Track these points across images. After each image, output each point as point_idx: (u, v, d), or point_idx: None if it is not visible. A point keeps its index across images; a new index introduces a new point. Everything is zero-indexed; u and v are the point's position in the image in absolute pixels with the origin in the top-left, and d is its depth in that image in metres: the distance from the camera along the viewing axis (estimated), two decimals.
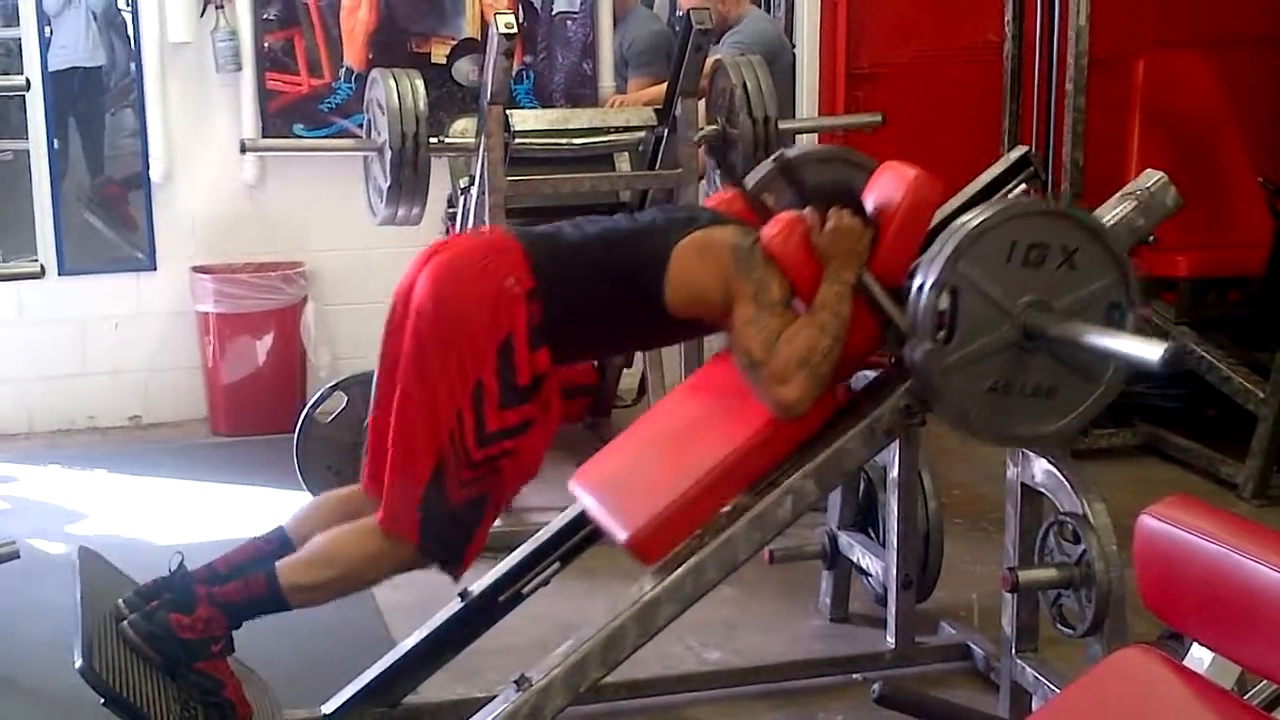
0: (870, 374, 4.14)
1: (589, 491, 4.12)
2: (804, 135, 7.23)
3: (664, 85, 6.11)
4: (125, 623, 3.77)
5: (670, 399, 4.46)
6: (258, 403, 7.25)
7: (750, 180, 4.27)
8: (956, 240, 3.74)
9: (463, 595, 4.20)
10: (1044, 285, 3.78)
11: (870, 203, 4.01)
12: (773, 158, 4.24)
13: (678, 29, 6.89)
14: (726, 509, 3.86)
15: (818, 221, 3.86)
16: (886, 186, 4.05)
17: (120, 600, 3.84)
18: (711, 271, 3.84)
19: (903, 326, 3.83)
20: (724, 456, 3.88)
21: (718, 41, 6.91)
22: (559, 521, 4.29)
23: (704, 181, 6.21)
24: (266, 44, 7.37)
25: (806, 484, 3.86)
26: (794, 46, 7.72)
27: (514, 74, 6.70)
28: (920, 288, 3.76)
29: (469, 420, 3.72)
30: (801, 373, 3.76)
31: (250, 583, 3.85)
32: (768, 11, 7.90)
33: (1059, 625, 4.07)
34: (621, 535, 3.87)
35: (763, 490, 3.86)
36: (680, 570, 3.79)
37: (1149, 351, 3.44)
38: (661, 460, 4.10)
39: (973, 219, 3.78)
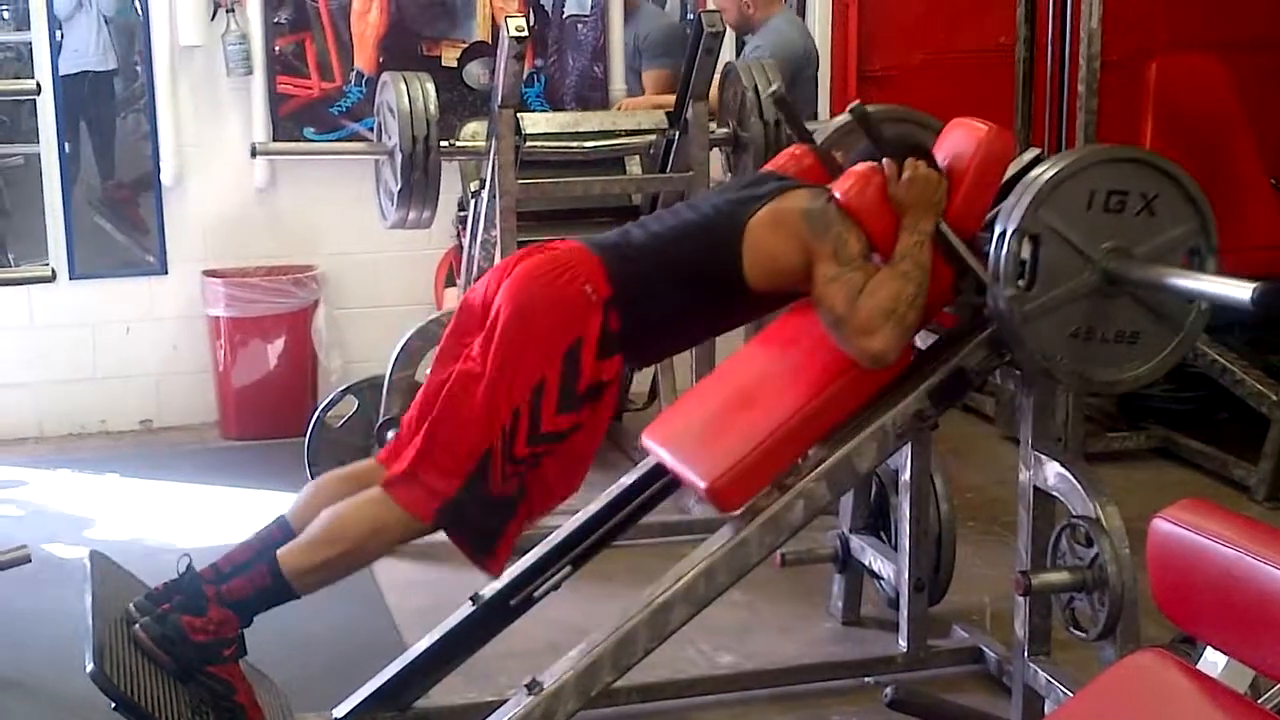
0: None
1: (663, 445, 4.16)
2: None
3: (678, 78, 6.11)
4: (137, 626, 3.76)
5: (739, 355, 4.47)
6: (269, 407, 7.25)
7: (820, 135, 4.28)
8: (1037, 188, 3.78)
9: (474, 599, 4.20)
10: (1124, 231, 3.82)
11: (942, 156, 4.05)
12: (848, 109, 4.24)
13: (689, 30, 6.89)
14: (804, 459, 3.91)
15: (895, 172, 3.89)
16: (958, 141, 4.09)
17: (131, 604, 3.83)
18: (788, 241, 3.87)
19: (982, 276, 3.88)
20: (801, 405, 3.92)
21: (743, 42, 6.90)
22: (570, 525, 4.29)
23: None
24: (277, 47, 7.38)
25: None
26: None
27: (525, 77, 6.68)
28: (1001, 235, 3.80)
29: (524, 417, 3.73)
30: (888, 323, 3.79)
31: (254, 575, 3.83)
32: None
33: (1072, 629, 4.05)
34: (701, 483, 3.90)
35: (841, 439, 3.90)
36: (691, 573, 3.79)
37: (1239, 290, 3.46)
38: (737, 412, 4.11)
39: (1051, 167, 3.82)
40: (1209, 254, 3.89)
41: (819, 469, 3.88)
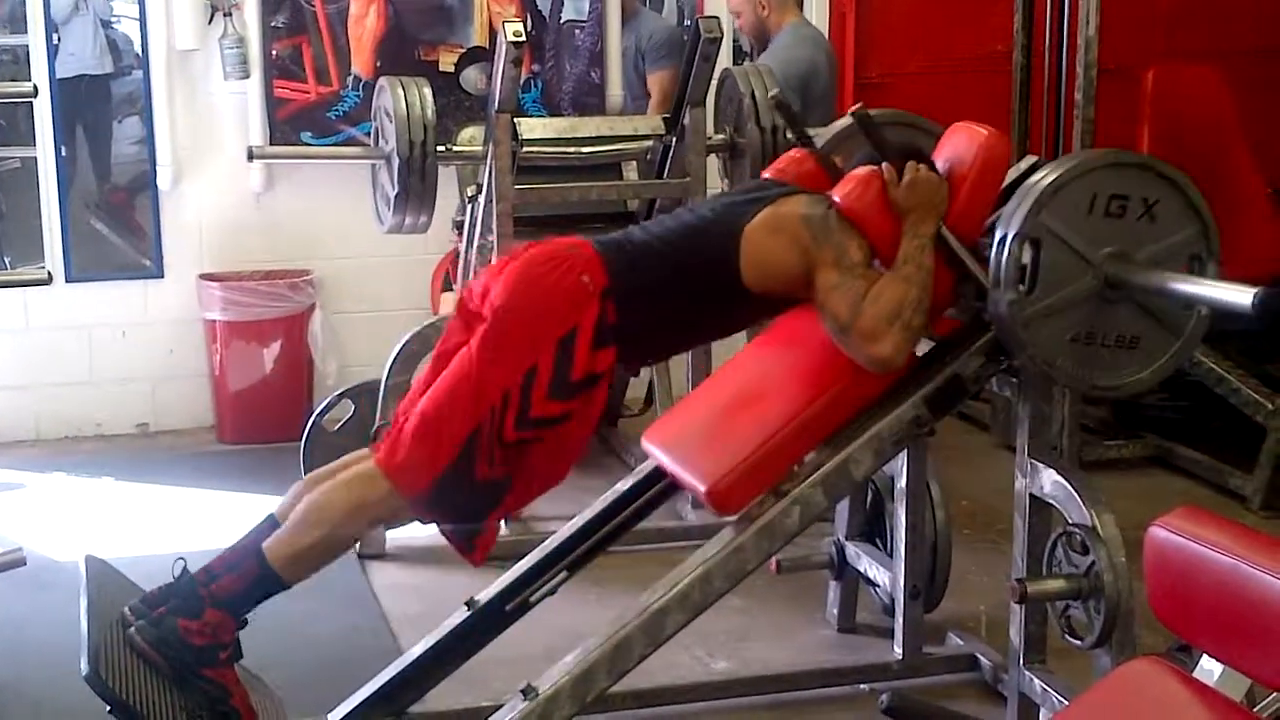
0: None
1: (662, 448, 4.18)
2: None
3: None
4: (132, 629, 3.76)
5: (738, 358, 4.48)
6: (265, 411, 7.25)
7: (821, 140, 4.27)
8: (1038, 192, 3.78)
9: (469, 604, 4.19)
10: (1125, 236, 3.82)
11: (942, 161, 4.05)
12: (850, 112, 4.23)
13: (686, 37, 6.88)
14: (804, 461, 3.91)
15: (895, 176, 3.88)
16: (958, 145, 4.09)
17: (126, 608, 3.83)
18: (786, 246, 3.86)
19: (982, 280, 3.88)
20: (801, 409, 3.93)
21: (757, 53, 6.88)
22: (566, 530, 4.28)
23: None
24: (274, 51, 7.38)
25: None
26: None
27: (522, 82, 6.68)
28: (1002, 239, 3.80)
29: (515, 400, 3.73)
30: (893, 327, 3.77)
31: (244, 571, 3.83)
32: None
33: (1067, 636, 4.05)
34: (701, 486, 3.91)
35: (838, 445, 3.90)
36: (687, 579, 3.79)
37: (1239, 295, 3.46)
38: (736, 415, 4.11)
39: (1053, 171, 3.82)
40: (1210, 260, 3.89)
41: (815, 475, 3.88)
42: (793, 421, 3.91)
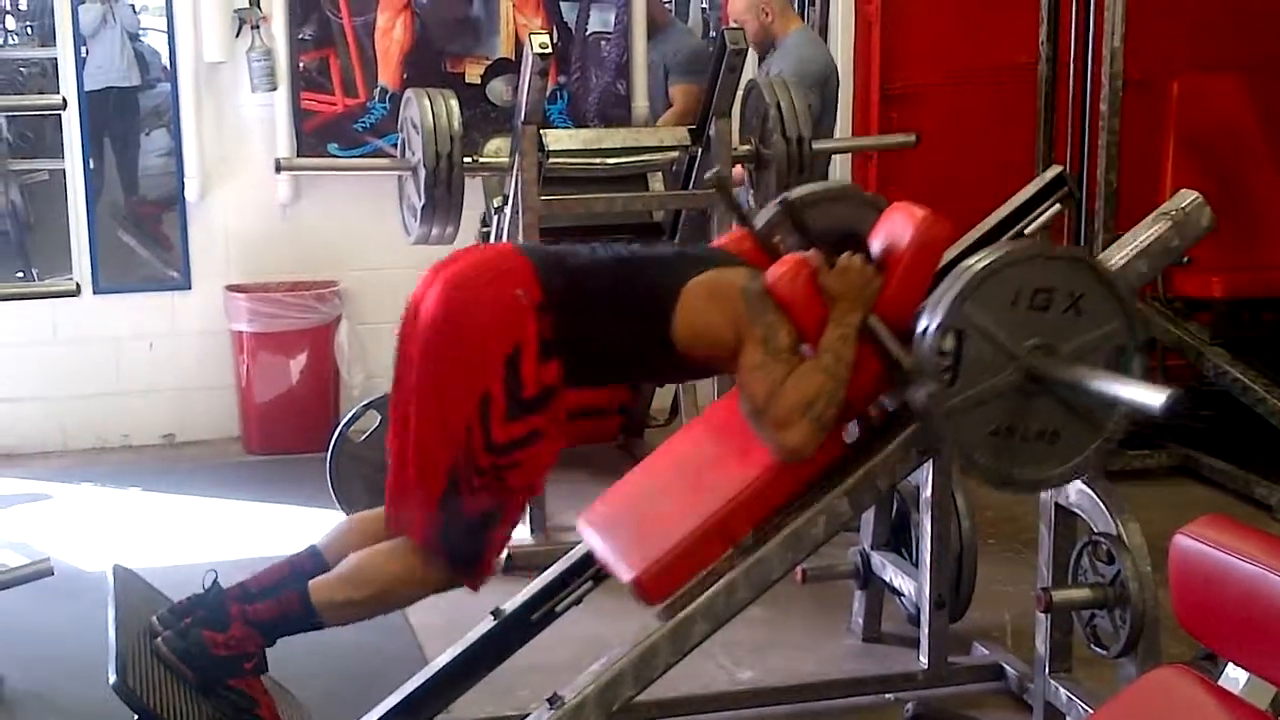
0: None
1: (595, 531, 4.11)
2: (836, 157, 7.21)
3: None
4: (159, 639, 3.78)
5: (680, 436, 4.43)
6: (291, 422, 7.27)
7: (759, 220, 4.23)
8: (963, 283, 3.70)
9: (495, 613, 4.19)
10: (1050, 329, 3.73)
11: (878, 243, 3.98)
12: (778, 199, 4.21)
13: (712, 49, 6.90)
14: (729, 552, 3.83)
15: (824, 263, 3.82)
16: (894, 227, 4.00)
17: (154, 617, 3.84)
18: (722, 314, 3.80)
19: (908, 368, 3.79)
20: (730, 498, 3.86)
21: (763, 58, 6.91)
22: None
23: (741, 187, 6.18)
24: (301, 64, 7.41)
25: (836, 506, 3.86)
26: None
27: (548, 94, 6.71)
28: (925, 330, 3.73)
29: (476, 431, 3.69)
30: (804, 418, 3.71)
31: (283, 601, 3.85)
32: None
33: (1093, 646, 4.06)
34: (626, 576, 3.86)
35: (767, 532, 3.84)
36: (713, 589, 3.79)
37: (1151, 397, 3.40)
38: (667, 500, 4.08)
39: (980, 261, 3.74)
40: (1134, 353, 3.81)
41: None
42: (722, 509, 3.85)
